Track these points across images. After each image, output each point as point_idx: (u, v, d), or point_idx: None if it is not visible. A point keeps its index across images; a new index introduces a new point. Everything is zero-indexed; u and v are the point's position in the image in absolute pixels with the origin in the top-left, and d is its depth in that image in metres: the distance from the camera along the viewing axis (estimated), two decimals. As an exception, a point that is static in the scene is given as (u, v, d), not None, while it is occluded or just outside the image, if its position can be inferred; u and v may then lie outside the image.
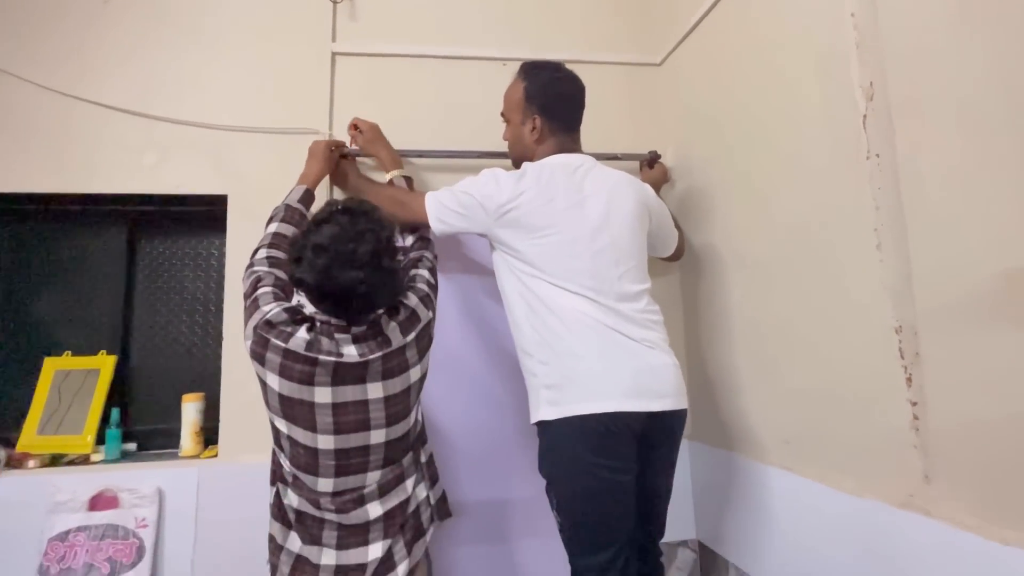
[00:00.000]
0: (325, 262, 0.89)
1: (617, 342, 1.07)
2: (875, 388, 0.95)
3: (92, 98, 1.46)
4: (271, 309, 0.99)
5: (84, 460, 1.41)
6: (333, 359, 0.95)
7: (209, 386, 1.51)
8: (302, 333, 0.96)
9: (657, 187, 1.53)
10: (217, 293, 1.59)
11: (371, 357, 0.98)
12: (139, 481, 1.35)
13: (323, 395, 0.96)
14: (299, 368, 0.95)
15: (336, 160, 1.42)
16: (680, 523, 1.53)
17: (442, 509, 1.23)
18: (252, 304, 1.02)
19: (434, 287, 1.18)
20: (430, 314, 1.11)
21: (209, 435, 1.46)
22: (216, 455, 1.41)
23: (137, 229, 1.62)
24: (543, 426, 1.08)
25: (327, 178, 1.42)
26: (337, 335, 0.98)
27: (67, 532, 1.28)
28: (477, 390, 1.52)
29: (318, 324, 0.98)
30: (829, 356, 1.06)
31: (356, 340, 0.99)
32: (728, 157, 1.39)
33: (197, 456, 1.42)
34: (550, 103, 1.23)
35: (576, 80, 1.27)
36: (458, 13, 1.67)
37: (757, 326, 1.28)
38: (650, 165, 1.60)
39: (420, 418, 1.18)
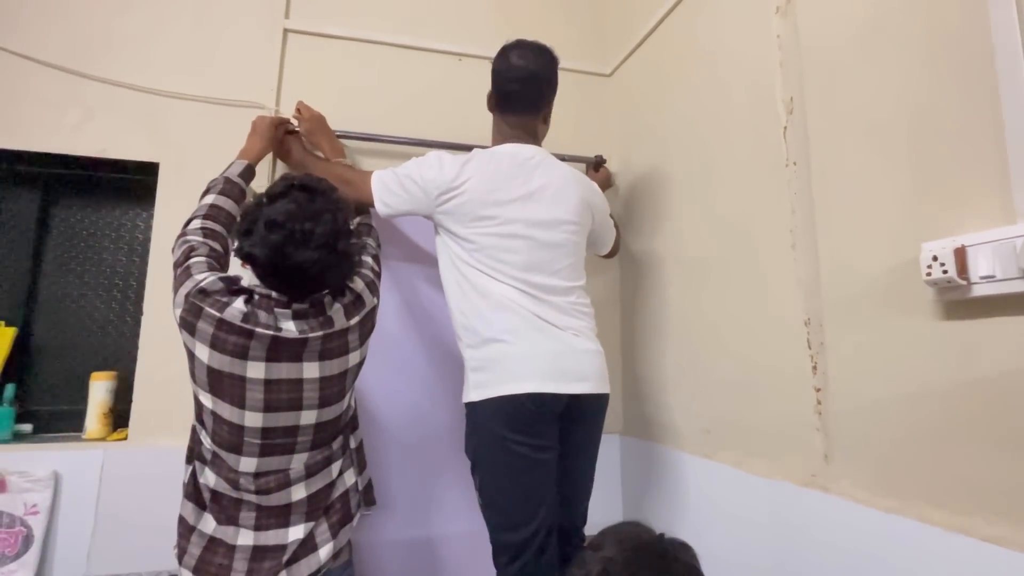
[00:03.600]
0: (279, 239, 0.87)
1: (541, 328, 1.09)
2: (786, 376, 1.03)
3: (11, 47, 1.35)
4: (205, 277, 0.95)
5: (-32, 441, 1.27)
6: (271, 332, 0.91)
7: (122, 366, 1.41)
8: (239, 304, 0.92)
9: (602, 190, 1.59)
10: (140, 268, 1.49)
11: (311, 335, 0.95)
12: (32, 464, 1.23)
13: (256, 370, 0.92)
14: (233, 340, 0.91)
15: (280, 138, 1.38)
16: (608, 517, 1.56)
17: (368, 496, 1.20)
18: (184, 272, 0.97)
19: (378, 274, 1.17)
20: (375, 300, 1.10)
21: (119, 418, 1.36)
22: (125, 438, 1.31)
23: (53, 193, 1.50)
24: (470, 407, 1.10)
25: (269, 154, 1.38)
26: (277, 309, 0.94)
27: (-60, 518, 1.15)
28: (415, 382, 1.49)
29: (256, 297, 0.95)
30: (748, 348, 1.14)
31: (296, 316, 0.96)
32: (668, 163, 1.47)
33: (103, 439, 1.32)
34: (499, 75, 1.22)
35: (538, 59, 1.21)
36: (416, 4, 1.69)
37: (688, 322, 1.35)
38: (595, 169, 1.67)
39: (353, 404, 1.16)
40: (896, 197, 0.84)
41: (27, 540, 1.18)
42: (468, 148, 1.30)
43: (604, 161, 1.68)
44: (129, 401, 1.33)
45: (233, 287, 0.95)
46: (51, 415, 1.40)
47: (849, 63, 0.94)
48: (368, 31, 1.61)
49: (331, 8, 1.60)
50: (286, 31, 1.54)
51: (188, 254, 1.00)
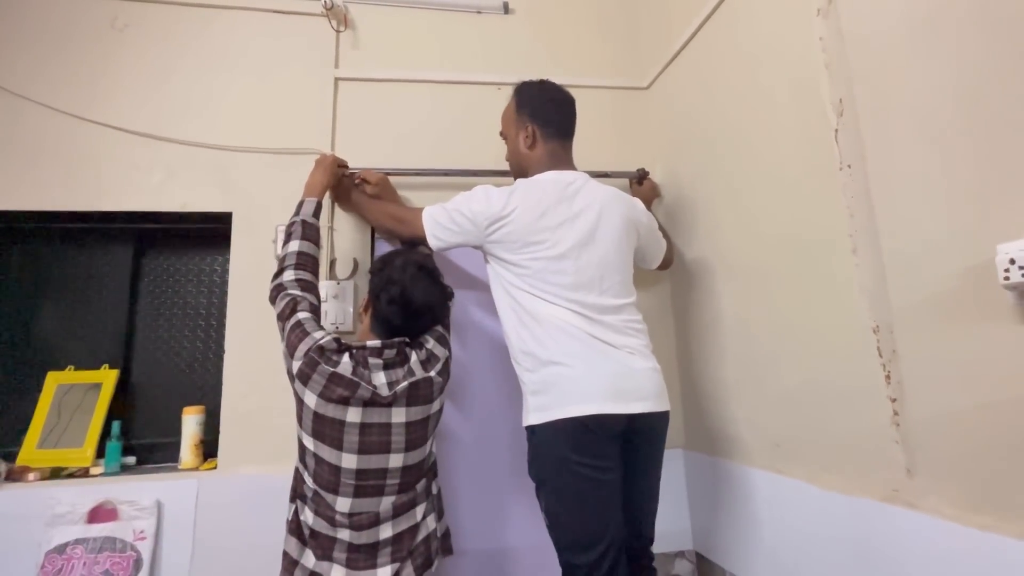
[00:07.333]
0: (416, 273, 1.15)
1: (597, 348, 1.10)
2: (857, 387, 0.99)
3: (103, 120, 1.53)
4: (322, 336, 1.07)
5: (84, 473, 1.41)
6: (371, 389, 1.04)
7: (210, 399, 1.53)
8: (346, 359, 1.06)
9: (648, 203, 1.59)
10: (220, 308, 1.63)
11: (398, 389, 1.07)
12: (138, 493, 1.35)
13: (354, 415, 1.04)
14: (339, 391, 1.03)
15: (340, 175, 1.47)
16: (676, 534, 1.54)
17: (445, 544, 1.24)
18: (297, 328, 1.08)
19: (447, 329, 1.27)
20: (447, 352, 1.21)
21: (209, 448, 1.48)
22: (215, 467, 1.42)
23: (143, 246, 1.66)
24: (531, 430, 1.12)
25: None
26: (371, 359, 1.08)
27: (65, 545, 1.28)
28: (475, 405, 1.54)
29: (355, 351, 1.08)
30: (812, 358, 1.10)
31: (386, 366, 1.09)
32: (713, 171, 1.45)
33: (196, 469, 1.43)
34: (540, 106, 1.29)
35: (565, 91, 1.33)
36: (453, 40, 1.76)
37: (745, 333, 1.32)
38: (639, 182, 1.67)
39: (433, 451, 1.22)
40: (964, 196, 0.80)
41: (137, 564, 1.30)
42: (512, 176, 1.35)
43: (647, 173, 1.68)
44: (216, 432, 1.44)
45: (342, 346, 1.08)
46: (150, 447, 1.54)
47: (900, 59, 0.90)
48: (410, 70, 1.70)
49: (375, 54, 1.70)
50: (336, 80, 1.64)
51: (293, 308, 1.12)
